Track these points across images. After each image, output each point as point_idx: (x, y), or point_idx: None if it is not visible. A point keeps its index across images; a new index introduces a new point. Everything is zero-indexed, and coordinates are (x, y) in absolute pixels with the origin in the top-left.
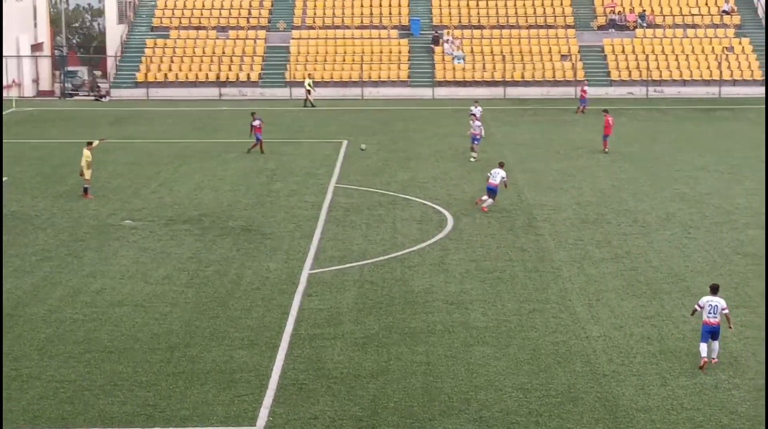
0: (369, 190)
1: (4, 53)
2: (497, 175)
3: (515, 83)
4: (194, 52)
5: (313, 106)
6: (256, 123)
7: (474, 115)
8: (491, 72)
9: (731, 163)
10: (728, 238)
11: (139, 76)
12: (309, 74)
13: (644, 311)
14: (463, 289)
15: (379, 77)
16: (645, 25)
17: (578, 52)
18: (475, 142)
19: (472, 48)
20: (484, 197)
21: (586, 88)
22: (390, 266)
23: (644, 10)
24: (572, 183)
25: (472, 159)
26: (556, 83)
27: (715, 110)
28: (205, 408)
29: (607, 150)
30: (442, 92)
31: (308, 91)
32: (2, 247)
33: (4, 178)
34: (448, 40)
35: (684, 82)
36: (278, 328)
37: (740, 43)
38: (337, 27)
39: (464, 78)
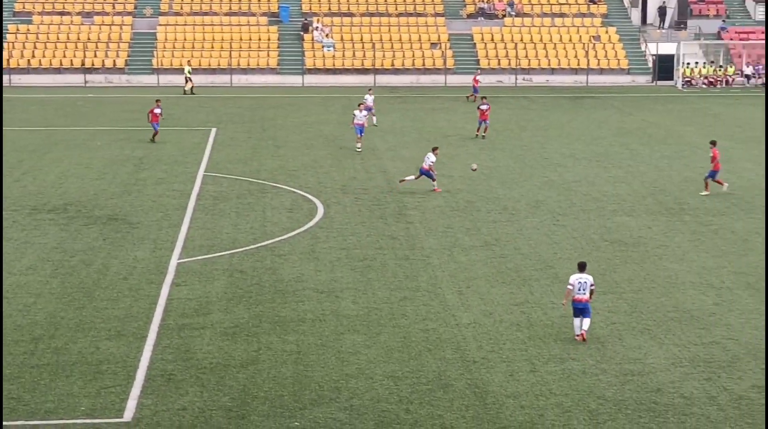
0: (238, 178)
1: None
2: (428, 160)
3: (385, 71)
4: (58, 38)
5: (193, 93)
6: (158, 111)
7: (362, 104)
8: (361, 60)
9: (598, 151)
10: (596, 225)
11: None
12: (188, 61)
13: (513, 298)
14: (333, 278)
15: (248, 64)
16: (513, 13)
17: (447, 40)
18: (360, 134)
19: (341, 35)
20: (411, 177)
21: (478, 77)
22: (260, 255)
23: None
24: (442, 170)
25: (358, 149)
26: (425, 71)
27: (582, 98)
28: (71, 400)
29: (484, 134)
30: (311, 80)
31: (188, 79)
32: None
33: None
34: (317, 27)
35: (552, 71)
36: (146, 318)
37: (607, 32)
38: (205, 13)
39: (334, 66)
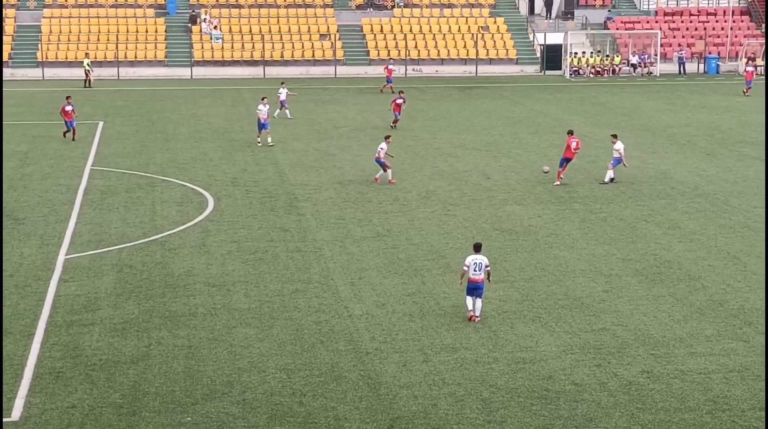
0: (127, 172)
1: None
2: (381, 150)
3: (274, 63)
4: None
5: (90, 86)
6: (69, 108)
7: (265, 98)
8: (250, 51)
9: (488, 140)
10: (486, 214)
11: None
12: (86, 54)
13: (406, 288)
14: (224, 271)
15: (135, 57)
16: (402, 4)
17: (337, 31)
18: (263, 129)
19: (230, 27)
20: (381, 173)
21: (391, 66)
22: (149, 249)
23: None
24: (333, 162)
25: (259, 144)
26: (315, 62)
27: (471, 89)
28: None
29: (395, 127)
30: (200, 72)
31: (87, 71)
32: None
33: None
34: (205, 19)
35: (442, 61)
36: (33, 315)
37: (495, 22)
38: (91, 6)
39: (223, 57)
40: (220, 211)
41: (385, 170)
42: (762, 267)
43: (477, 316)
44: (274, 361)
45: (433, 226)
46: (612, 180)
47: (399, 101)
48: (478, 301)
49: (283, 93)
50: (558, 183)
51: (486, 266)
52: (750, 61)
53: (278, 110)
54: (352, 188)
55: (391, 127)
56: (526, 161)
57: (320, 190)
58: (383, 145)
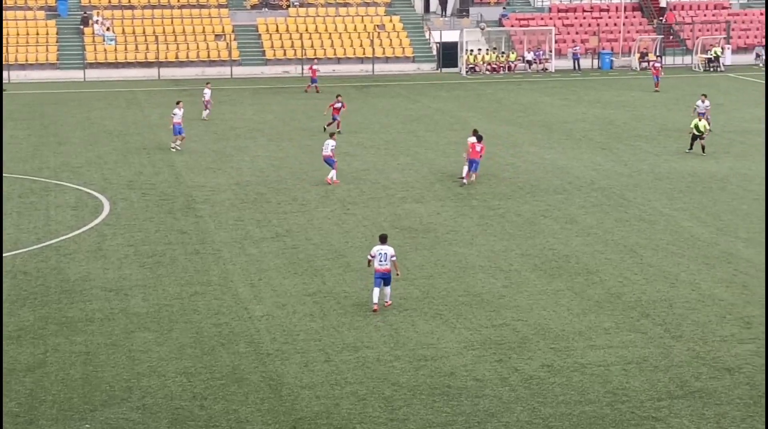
0: (19, 177)
1: None
2: (327, 146)
3: (169, 64)
4: None
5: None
6: None
7: (180, 102)
8: (144, 53)
9: (386, 138)
10: (386, 212)
11: None
12: None
13: (306, 288)
14: (122, 275)
15: (26, 60)
16: (298, 4)
17: (232, 31)
18: (178, 134)
19: (123, 29)
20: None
21: (315, 66)
22: (44, 255)
23: None
24: (231, 163)
25: (173, 148)
26: (211, 63)
27: (369, 87)
28: None
29: (339, 130)
30: (93, 74)
31: None
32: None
33: None
34: (98, 20)
35: (338, 60)
36: None
37: (391, 20)
38: None
39: (116, 59)
40: (116, 214)
41: (333, 169)
42: (658, 259)
43: (388, 302)
44: (174, 365)
45: (332, 226)
46: None
47: (337, 106)
48: (387, 289)
49: (208, 93)
50: (466, 182)
51: (392, 256)
52: (643, 56)
53: (206, 111)
54: (250, 189)
55: (324, 128)
56: (425, 159)
57: (218, 192)
58: (330, 142)
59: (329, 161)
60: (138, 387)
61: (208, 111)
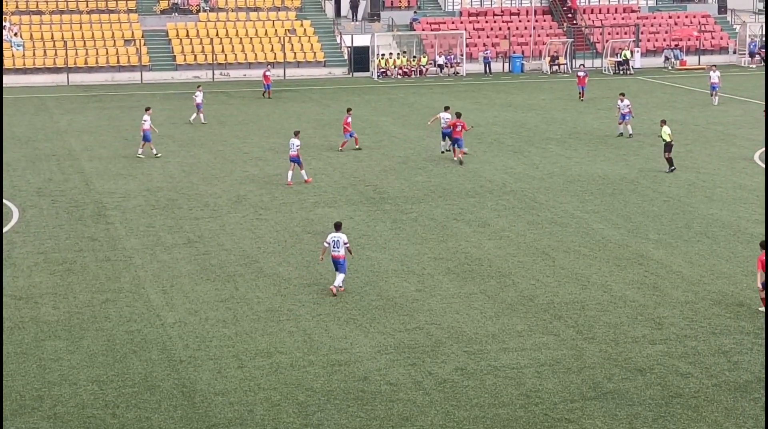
0: None
1: None
2: (293, 146)
3: (78, 69)
4: None
5: None
6: None
7: (149, 109)
8: (53, 58)
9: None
10: (298, 217)
11: None
12: None
13: (218, 294)
14: (32, 283)
15: None
16: (208, 8)
17: (142, 36)
18: (148, 141)
19: (31, 34)
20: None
21: (268, 73)
22: None
23: None
24: (141, 169)
25: (140, 155)
26: (120, 69)
27: (280, 92)
28: None
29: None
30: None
31: None
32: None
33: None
34: (6, 26)
35: (249, 65)
36: None
37: (302, 25)
38: None
39: (24, 65)
40: (25, 221)
41: (302, 168)
42: (570, 261)
43: (341, 287)
44: (85, 373)
45: (244, 231)
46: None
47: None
48: (340, 276)
49: (199, 96)
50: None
51: (345, 243)
52: (553, 60)
53: (194, 114)
54: (161, 195)
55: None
56: (336, 163)
57: (129, 198)
58: (295, 140)
59: (296, 160)
60: (49, 396)
61: (200, 115)
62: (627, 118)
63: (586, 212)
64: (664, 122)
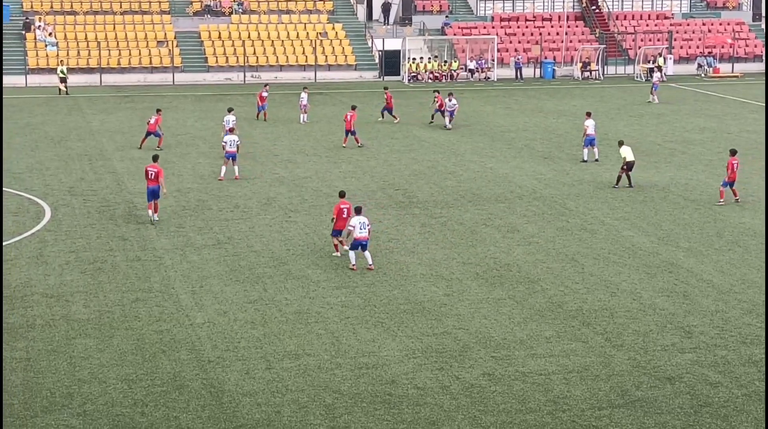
0: None
1: None
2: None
3: (111, 70)
4: None
5: (67, 94)
6: None
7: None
8: (86, 59)
9: (328, 146)
10: (327, 220)
11: None
12: (62, 61)
13: (247, 296)
14: (63, 282)
15: None
16: (240, 10)
17: (174, 38)
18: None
19: (65, 34)
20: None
21: (265, 93)
22: None
23: None
24: (172, 170)
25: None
26: (153, 70)
27: (312, 95)
28: None
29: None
30: (35, 80)
31: (62, 79)
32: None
33: None
34: (40, 26)
35: (281, 67)
36: None
37: (333, 28)
38: None
39: (58, 65)
40: (57, 220)
41: (235, 164)
42: (599, 268)
43: (371, 266)
44: (114, 372)
45: (273, 233)
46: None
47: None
48: (367, 254)
49: (304, 98)
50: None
51: (368, 224)
52: (585, 66)
53: (304, 115)
54: (191, 196)
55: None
56: (366, 167)
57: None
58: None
59: (232, 156)
60: (79, 393)
61: (306, 115)
62: (594, 141)
63: (616, 219)
64: (621, 143)
